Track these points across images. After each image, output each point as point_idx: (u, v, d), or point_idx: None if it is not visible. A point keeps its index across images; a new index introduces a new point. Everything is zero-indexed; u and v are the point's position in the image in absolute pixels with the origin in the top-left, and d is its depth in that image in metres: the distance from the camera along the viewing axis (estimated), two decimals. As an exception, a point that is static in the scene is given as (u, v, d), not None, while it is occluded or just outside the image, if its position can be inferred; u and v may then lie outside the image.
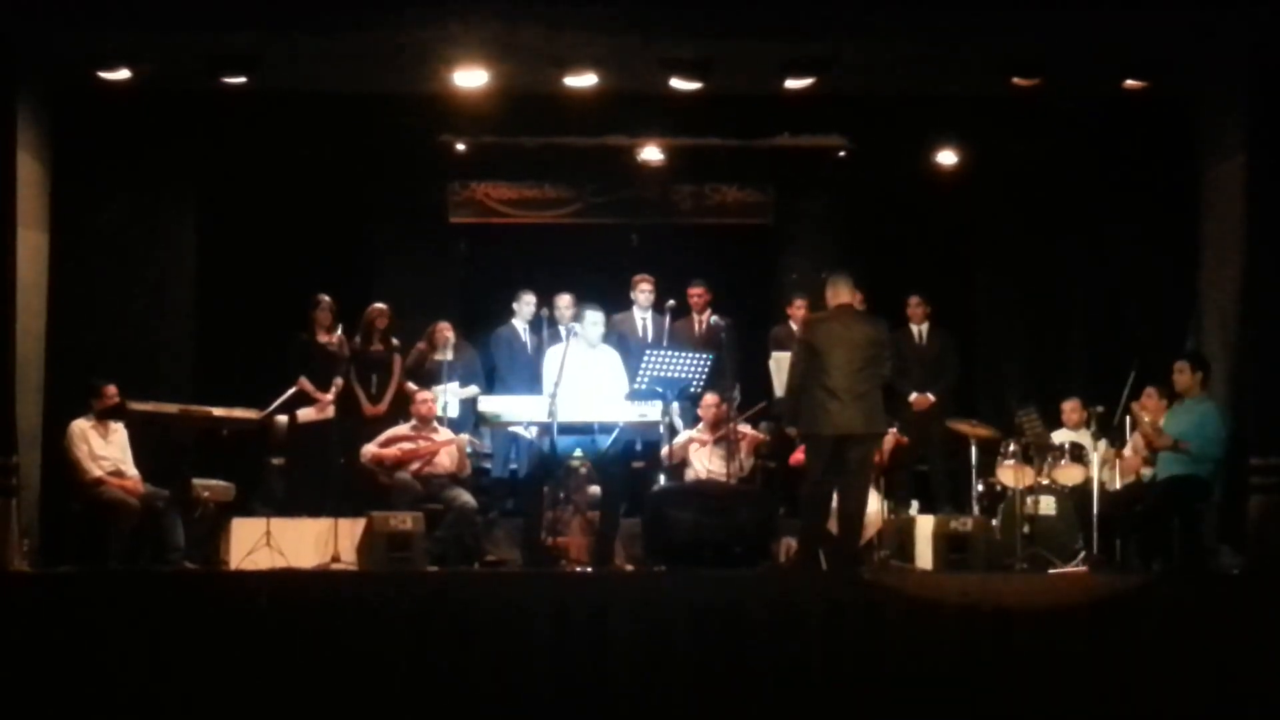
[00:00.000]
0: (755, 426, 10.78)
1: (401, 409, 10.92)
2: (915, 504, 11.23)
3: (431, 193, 13.06)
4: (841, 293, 9.15)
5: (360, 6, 9.05)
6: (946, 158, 11.75)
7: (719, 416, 10.37)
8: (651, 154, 12.37)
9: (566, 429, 9.32)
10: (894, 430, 10.79)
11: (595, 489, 9.98)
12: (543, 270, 12.15)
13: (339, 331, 11.04)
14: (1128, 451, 10.08)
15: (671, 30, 9.25)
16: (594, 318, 9.76)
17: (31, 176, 9.65)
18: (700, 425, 10.58)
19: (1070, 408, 10.93)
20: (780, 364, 10.28)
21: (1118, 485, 10.23)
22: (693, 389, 9.98)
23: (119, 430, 10.00)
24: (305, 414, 10.76)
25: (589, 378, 9.47)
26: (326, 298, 11.03)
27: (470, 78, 9.78)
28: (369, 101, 10.58)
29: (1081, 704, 8.04)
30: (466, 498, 10.19)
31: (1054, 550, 10.02)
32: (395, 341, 11.22)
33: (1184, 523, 9.26)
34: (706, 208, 13.35)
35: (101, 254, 10.90)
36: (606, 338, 10.60)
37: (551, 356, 9.71)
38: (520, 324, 11.62)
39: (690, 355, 9.77)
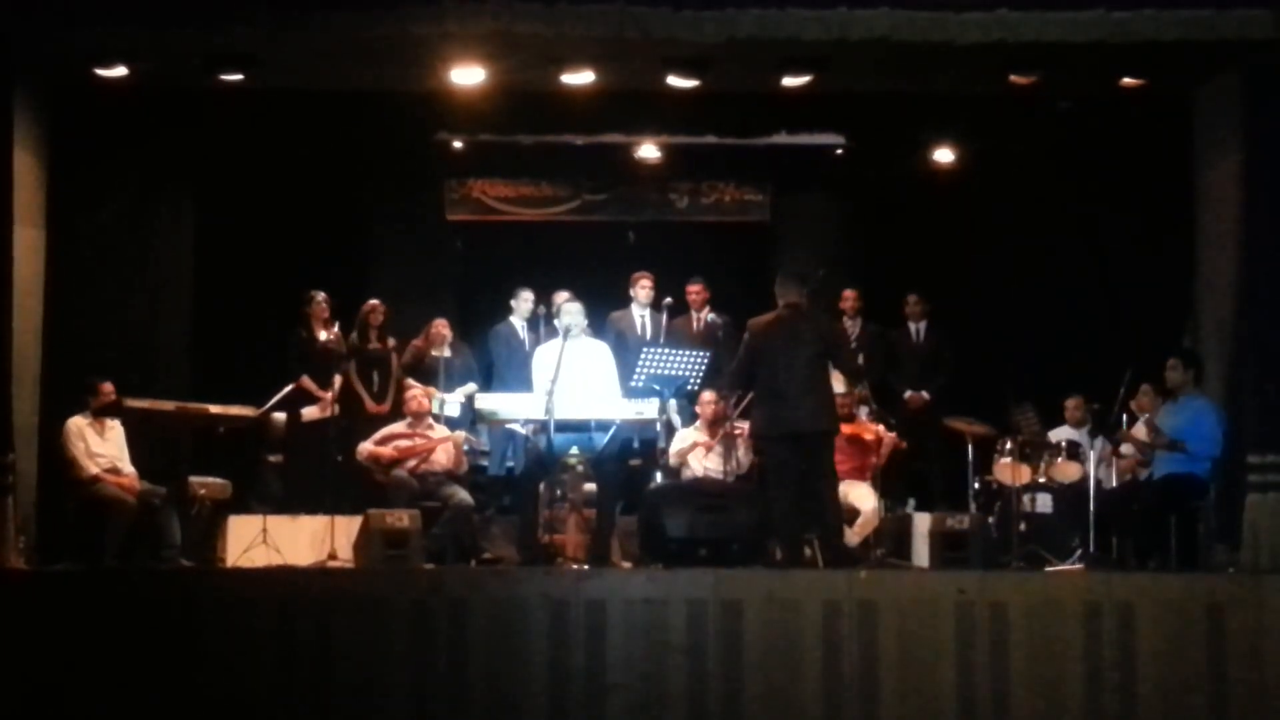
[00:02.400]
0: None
1: (401, 406, 10.90)
2: (912, 502, 11.25)
3: (428, 190, 13.09)
4: (789, 292, 9.18)
5: (357, 4, 9.04)
6: (944, 155, 11.78)
7: (717, 414, 10.36)
8: (649, 152, 12.39)
9: (563, 427, 9.31)
10: (894, 435, 10.80)
11: (592, 487, 9.97)
12: (540, 268, 12.17)
13: (336, 328, 11.04)
14: (1124, 449, 10.08)
15: (669, 28, 9.23)
16: (570, 308, 9.75)
17: (29, 174, 9.64)
18: (698, 424, 10.57)
19: (1073, 405, 10.93)
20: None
21: (1114, 483, 10.24)
22: (690, 387, 9.99)
23: (115, 427, 9.99)
24: (309, 413, 10.76)
25: (579, 371, 9.46)
26: (321, 293, 11.04)
27: (467, 75, 9.77)
28: (366, 99, 10.58)
29: (1077, 702, 8.04)
30: (463, 495, 10.19)
31: (1051, 548, 10.02)
32: (392, 341, 11.22)
33: (1181, 520, 9.26)
34: (704, 206, 13.38)
35: (98, 251, 10.88)
36: (604, 335, 10.62)
37: (540, 355, 9.72)
38: (518, 321, 11.63)
39: (687, 353, 9.78)
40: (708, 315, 11.15)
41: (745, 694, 8.01)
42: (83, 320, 10.55)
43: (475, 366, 11.59)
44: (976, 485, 10.83)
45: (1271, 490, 8.98)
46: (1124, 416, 9.98)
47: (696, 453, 10.50)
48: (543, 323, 11.32)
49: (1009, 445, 10.53)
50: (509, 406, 9.75)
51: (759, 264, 13.15)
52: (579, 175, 13.10)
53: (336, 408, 10.71)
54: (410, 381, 10.98)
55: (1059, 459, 10.42)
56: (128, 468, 9.94)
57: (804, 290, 9.32)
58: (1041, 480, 10.49)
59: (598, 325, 10.67)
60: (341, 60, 9.66)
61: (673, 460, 10.40)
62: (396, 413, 10.87)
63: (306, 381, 10.76)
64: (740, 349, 9.22)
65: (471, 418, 10.81)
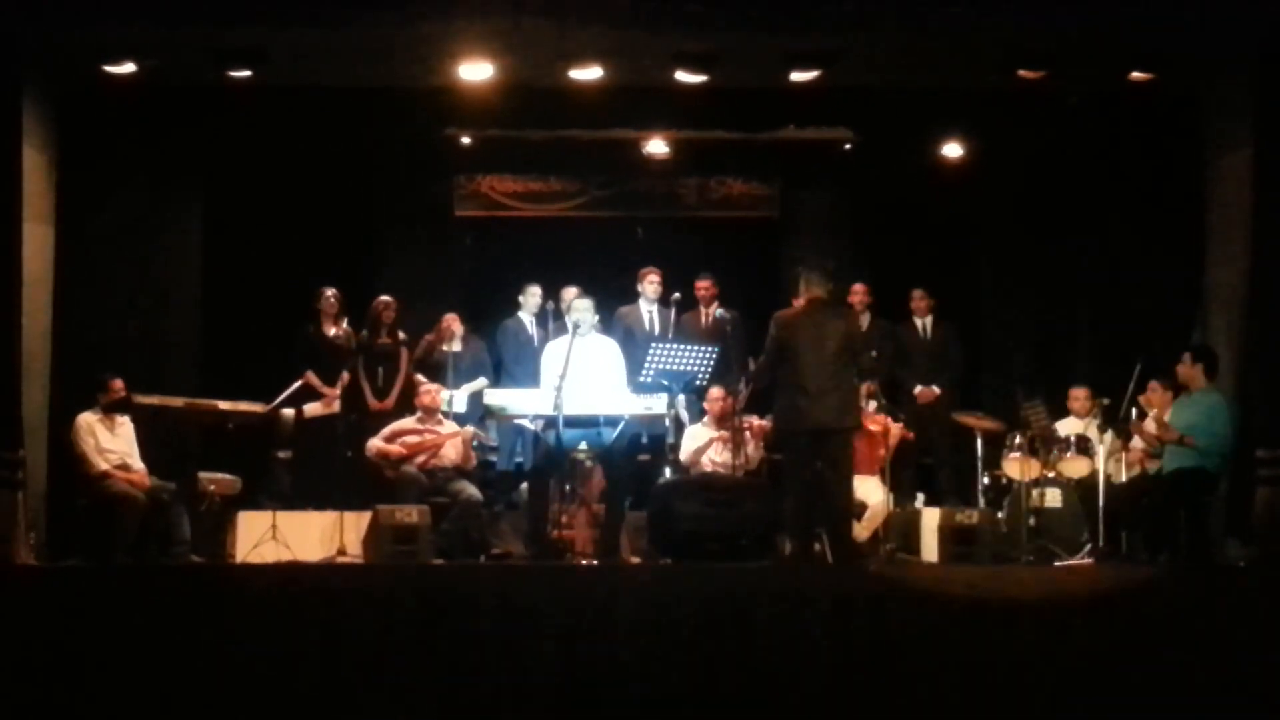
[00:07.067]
0: (763, 416, 10.76)
1: (408, 401, 10.90)
2: (921, 497, 11.24)
3: (437, 186, 13.10)
4: (813, 287, 9.14)
5: (366, 0, 9.05)
6: (952, 150, 11.76)
7: (725, 410, 10.36)
8: (657, 147, 12.39)
9: (572, 422, 9.32)
10: (900, 424, 10.81)
11: (601, 482, 9.97)
12: (548, 263, 12.17)
13: (345, 324, 11.04)
14: (1134, 444, 10.08)
15: (677, 23, 9.23)
16: (580, 304, 9.75)
17: (37, 170, 9.65)
18: (706, 419, 10.56)
19: (1077, 395, 10.92)
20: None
21: (1124, 478, 10.22)
22: (698, 382, 9.99)
23: (125, 424, 10.00)
24: (312, 408, 10.78)
25: (587, 367, 9.47)
26: (331, 289, 11.06)
27: (476, 71, 9.78)
28: (375, 95, 10.58)
29: (1088, 697, 8.04)
30: (472, 491, 10.19)
31: (1060, 543, 10.02)
32: (402, 335, 11.23)
33: (1190, 515, 9.25)
34: (712, 201, 13.37)
35: (107, 248, 10.91)
36: (612, 330, 10.62)
37: (549, 351, 9.73)
38: (526, 317, 11.63)
39: (695, 348, 9.78)
40: (716, 310, 11.15)
41: (755, 689, 8.00)
42: (92, 316, 10.59)
43: (487, 361, 11.60)
44: (986, 480, 10.83)
45: (1281, 484, 8.98)
46: (1133, 411, 9.98)
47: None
48: (551, 318, 11.31)
49: (1018, 440, 10.53)
50: (518, 402, 9.76)
51: (767, 259, 13.18)
52: (587, 171, 13.10)
53: (339, 404, 10.72)
54: (420, 378, 10.99)
55: (1068, 453, 10.42)
56: (137, 464, 9.95)
57: (829, 284, 9.30)
58: (1051, 475, 10.49)
59: (605, 320, 10.68)
60: (350, 56, 9.67)
61: (686, 459, 10.37)
62: (403, 408, 10.86)
63: (311, 377, 10.78)
64: (767, 342, 9.17)
65: (481, 413, 10.82)
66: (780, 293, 11.73)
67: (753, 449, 10.29)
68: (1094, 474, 10.16)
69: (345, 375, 10.84)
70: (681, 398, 10.51)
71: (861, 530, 10.06)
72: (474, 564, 9.63)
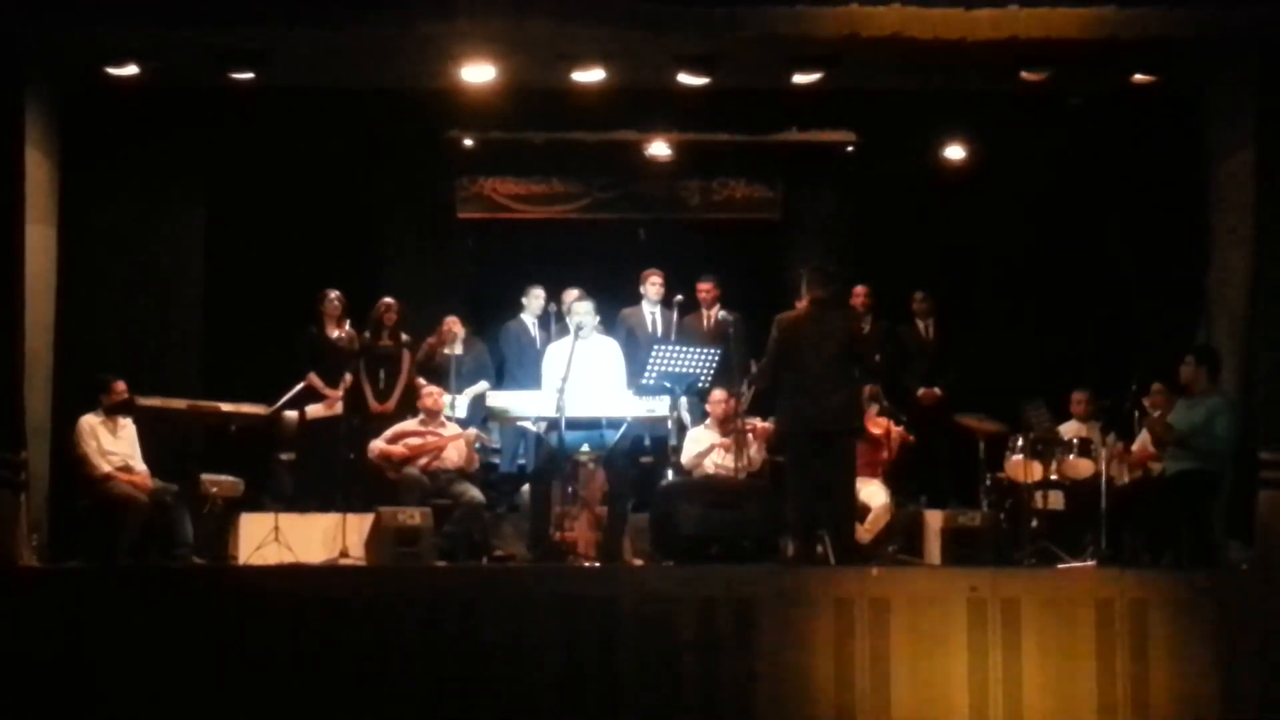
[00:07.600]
0: (765, 418, 10.75)
1: (410, 404, 10.90)
2: (923, 499, 11.23)
3: (439, 188, 13.11)
4: (815, 289, 9.14)
5: (368, 2, 9.05)
6: (955, 152, 11.77)
7: (727, 412, 10.35)
8: (659, 149, 12.39)
9: (575, 424, 9.32)
10: (902, 427, 10.80)
11: (603, 484, 9.96)
12: (551, 265, 12.18)
13: (348, 326, 11.04)
14: (1136, 446, 10.07)
15: (680, 25, 9.23)
16: (580, 306, 9.76)
17: (40, 172, 9.65)
18: (708, 421, 10.55)
19: (1079, 399, 10.92)
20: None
21: (1126, 480, 10.22)
22: (700, 384, 9.99)
23: (128, 425, 10.00)
24: (314, 410, 10.77)
25: (589, 369, 9.48)
26: (334, 291, 11.06)
27: (478, 73, 9.77)
28: (377, 97, 10.59)
29: (1089, 698, 8.04)
30: (474, 493, 10.18)
31: (1062, 545, 10.00)
32: (405, 337, 11.22)
33: (1193, 517, 9.24)
34: (714, 203, 13.39)
35: (110, 249, 10.92)
36: (614, 331, 10.62)
37: (551, 353, 9.73)
38: (529, 319, 11.63)
39: (697, 351, 9.78)
40: (718, 312, 11.14)
41: (757, 691, 8.01)
42: (95, 318, 10.58)
43: (489, 363, 11.60)
44: (988, 482, 10.81)
45: (1284, 486, 8.97)
46: (1135, 413, 9.97)
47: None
48: (553, 320, 11.32)
49: (1020, 442, 10.52)
50: (520, 404, 9.77)
51: (769, 261, 13.18)
52: (589, 173, 13.12)
53: (341, 406, 10.72)
54: (421, 381, 10.99)
55: (1070, 455, 10.41)
56: (140, 465, 9.95)
57: (830, 286, 9.30)
58: (1053, 477, 10.48)
59: (608, 321, 10.68)
60: (352, 58, 9.66)
61: (687, 462, 10.36)
62: (404, 411, 10.86)
63: (313, 379, 10.77)
64: (769, 344, 9.18)
65: (483, 415, 10.82)
66: (782, 295, 11.73)
67: (755, 451, 10.28)
68: (1096, 476, 10.13)
69: (347, 377, 10.84)
70: (684, 400, 10.51)
71: (864, 532, 10.05)
72: (476, 566, 9.63)
